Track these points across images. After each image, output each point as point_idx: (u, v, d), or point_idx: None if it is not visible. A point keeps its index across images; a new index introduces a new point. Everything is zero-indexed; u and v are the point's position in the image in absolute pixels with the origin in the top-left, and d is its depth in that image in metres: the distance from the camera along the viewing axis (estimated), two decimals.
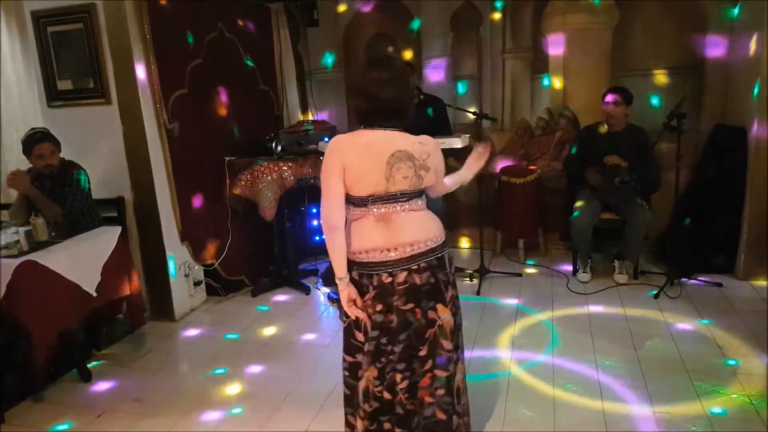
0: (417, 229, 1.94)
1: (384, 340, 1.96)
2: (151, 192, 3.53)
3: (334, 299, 3.90)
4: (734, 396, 2.55)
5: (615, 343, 3.09)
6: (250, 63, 4.38)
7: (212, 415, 2.66)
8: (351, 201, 1.95)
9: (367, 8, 4.75)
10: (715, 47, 4.17)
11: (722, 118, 4.17)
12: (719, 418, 2.41)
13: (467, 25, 4.71)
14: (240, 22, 4.26)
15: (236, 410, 2.69)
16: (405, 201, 1.95)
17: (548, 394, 2.66)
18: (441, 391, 1.99)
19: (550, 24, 4.50)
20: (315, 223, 4.68)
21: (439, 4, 4.70)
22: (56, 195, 3.16)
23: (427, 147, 1.97)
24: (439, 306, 1.97)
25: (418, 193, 1.99)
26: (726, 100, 4.17)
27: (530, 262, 4.45)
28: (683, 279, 3.80)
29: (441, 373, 1.99)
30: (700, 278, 3.83)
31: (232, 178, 3.96)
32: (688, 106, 3.71)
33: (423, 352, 1.98)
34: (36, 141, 3.11)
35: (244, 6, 4.34)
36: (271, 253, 4.28)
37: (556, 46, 4.50)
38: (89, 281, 2.96)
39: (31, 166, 3.19)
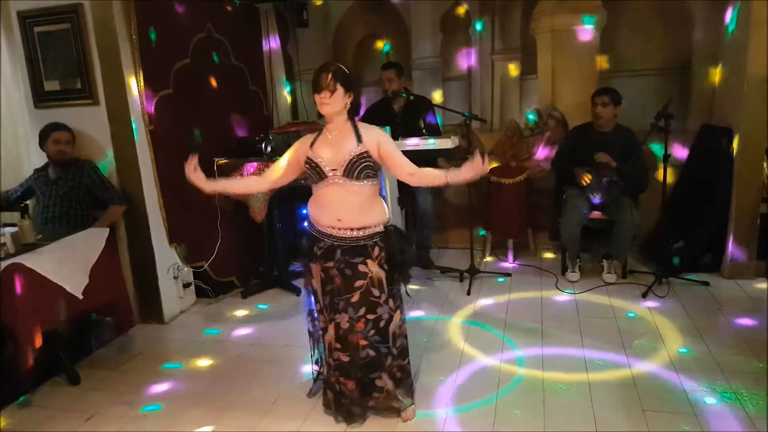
0: None
1: None
2: (140, 193, 3.50)
3: None
4: (721, 392, 2.58)
5: (604, 342, 3.11)
6: (238, 63, 4.37)
7: (203, 418, 2.64)
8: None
9: None
10: (702, 48, 4.21)
11: (709, 118, 4.21)
12: (709, 415, 2.43)
13: (456, 26, 4.73)
14: (228, 23, 4.25)
15: (228, 411, 2.68)
16: None
17: (538, 393, 2.67)
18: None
19: (538, 25, 4.52)
20: (305, 223, 4.65)
21: (429, 4, 4.70)
22: (69, 181, 3.37)
23: None
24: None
25: None
26: (713, 100, 4.20)
27: (520, 262, 4.47)
28: (671, 278, 3.83)
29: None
30: (687, 277, 3.86)
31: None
32: (675, 106, 3.74)
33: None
34: (54, 128, 3.38)
35: (233, 6, 4.33)
36: (261, 254, 4.26)
37: (544, 47, 4.53)
38: (77, 284, 2.92)
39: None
